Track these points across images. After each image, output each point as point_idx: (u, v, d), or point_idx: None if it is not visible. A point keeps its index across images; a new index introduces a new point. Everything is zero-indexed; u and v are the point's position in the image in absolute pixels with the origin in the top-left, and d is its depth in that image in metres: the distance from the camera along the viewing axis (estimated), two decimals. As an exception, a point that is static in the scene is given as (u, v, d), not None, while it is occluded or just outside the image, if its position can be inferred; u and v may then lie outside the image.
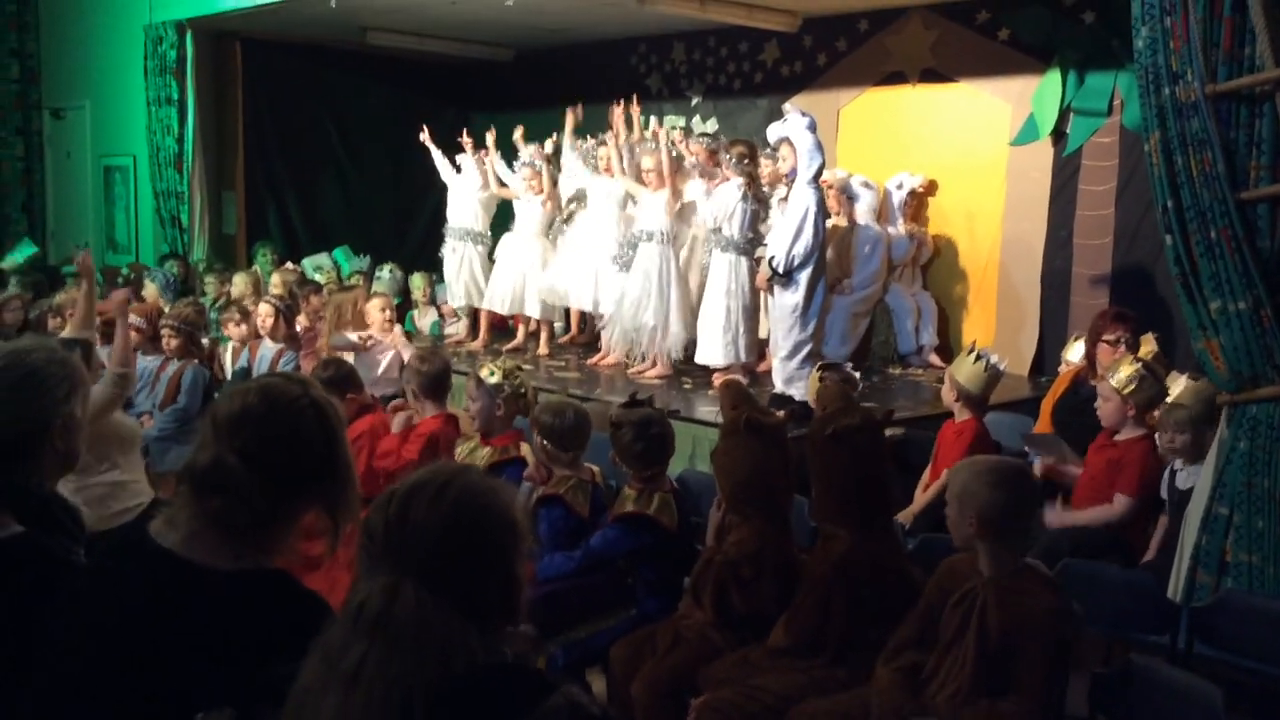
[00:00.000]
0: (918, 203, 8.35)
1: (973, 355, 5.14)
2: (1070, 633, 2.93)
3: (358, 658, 1.39)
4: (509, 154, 8.61)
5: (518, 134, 8.50)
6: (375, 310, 7.16)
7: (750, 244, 6.96)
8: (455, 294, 8.82)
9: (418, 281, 9.49)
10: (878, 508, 3.55)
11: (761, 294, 7.11)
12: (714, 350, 7.06)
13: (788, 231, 6.40)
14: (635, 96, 8.43)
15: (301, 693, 1.42)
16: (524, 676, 1.51)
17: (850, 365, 5.99)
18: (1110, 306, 6.07)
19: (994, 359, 5.13)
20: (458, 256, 8.74)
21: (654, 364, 7.48)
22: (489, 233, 8.80)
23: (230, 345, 6.99)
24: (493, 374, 4.57)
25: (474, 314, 8.95)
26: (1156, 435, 4.59)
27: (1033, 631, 2.89)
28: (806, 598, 3.42)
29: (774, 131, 6.70)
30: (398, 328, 7.24)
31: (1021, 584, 2.96)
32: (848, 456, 3.46)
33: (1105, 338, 5.58)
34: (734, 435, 3.73)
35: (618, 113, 8.19)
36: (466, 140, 8.76)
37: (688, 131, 8.79)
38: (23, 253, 10.56)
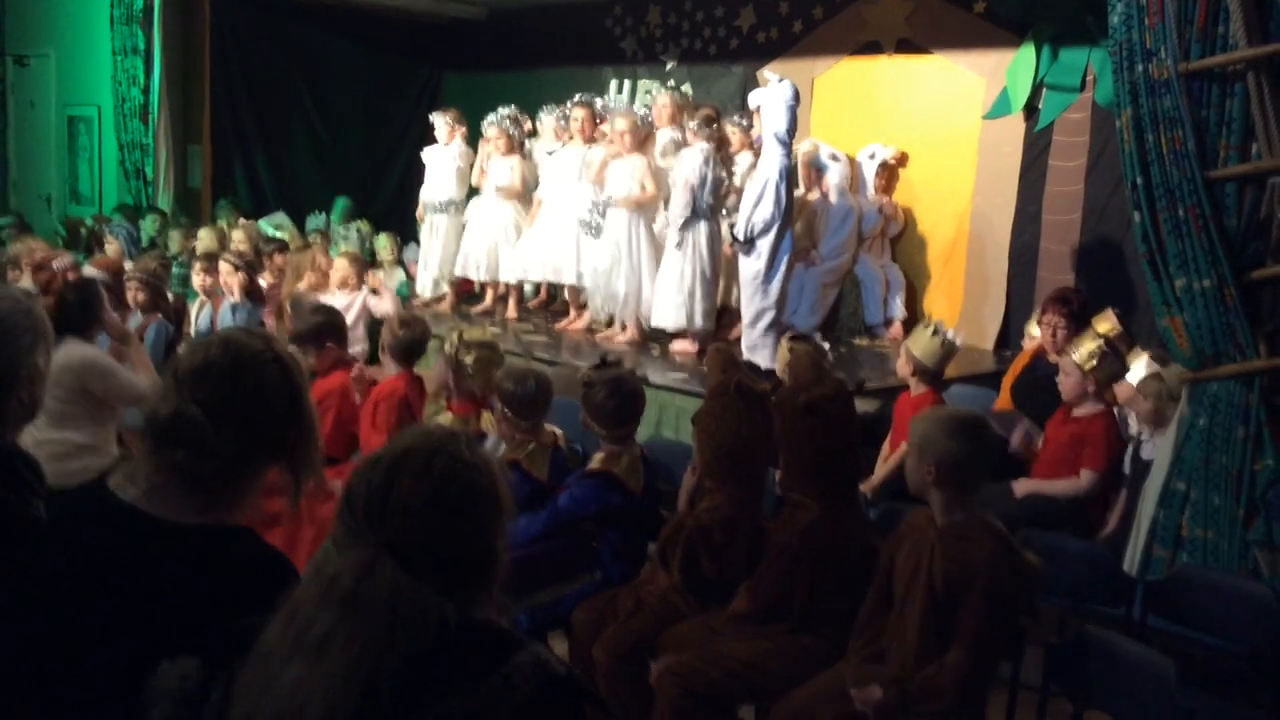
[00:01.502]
0: (889, 174, 8.36)
1: (929, 329, 5.14)
2: (1013, 584, 2.92)
3: (325, 629, 1.38)
4: (482, 114, 8.53)
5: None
6: (341, 267, 7.08)
7: (712, 209, 6.96)
8: (437, 268, 8.73)
9: (383, 242, 9.40)
10: (846, 479, 3.57)
11: (723, 261, 7.15)
12: (666, 313, 7.07)
13: (749, 199, 6.42)
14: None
15: (264, 656, 1.41)
16: (490, 635, 1.51)
17: (819, 335, 6.01)
18: (1057, 289, 6.10)
19: (950, 333, 5.14)
20: (437, 233, 8.67)
21: (623, 329, 7.47)
22: (464, 201, 8.74)
23: (198, 300, 6.92)
24: (450, 345, 4.54)
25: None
26: (1130, 404, 4.66)
27: (973, 577, 2.90)
28: (772, 566, 3.44)
29: (754, 98, 6.70)
30: (365, 288, 7.15)
31: (968, 532, 2.99)
32: (820, 427, 3.47)
33: (1042, 321, 5.63)
34: (722, 398, 3.71)
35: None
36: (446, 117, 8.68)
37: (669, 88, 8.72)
38: None
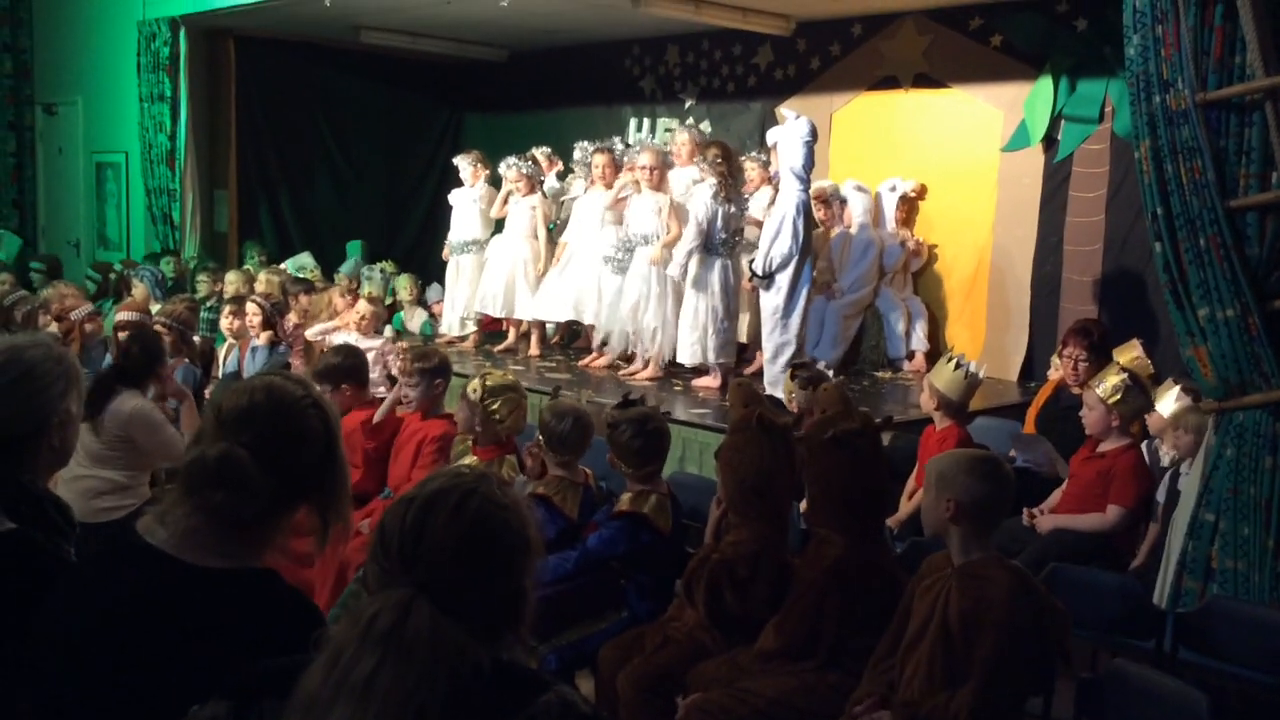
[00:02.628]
0: (909, 207, 8.37)
1: (951, 362, 5.13)
2: (1035, 623, 2.90)
3: (369, 671, 1.37)
4: (504, 154, 8.62)
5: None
6: (362, 309, 7.13)
7: (723, 245, 7.00)
8: (464, 308, 8.80)
9: (403, 282, 9.47)
10: (873, 514, 3.56)
11: (742, 296, 7.18)
12: (684, 349, 7.12)
13: (768, 234, 6.46)
14: None
15: (307, 702, 1.41)
16: (515, 676, 1.51)
17: (824, 364, 6.00)
18: (1077, 321, 6.09)
19: (972, 366, 5.12)
20: (462, 273, 8.75)
21: (645, 366, 7.50)
22: (489, 240, 8.81)
23: (226, 343, 6.98)
24: (475, 390, 4.56)
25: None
26: (1162, 435, 4.65)
27: (987, 614, 2.88)
28: (799, 602, 3.42)
29: (772, 135, 6.75)
30: (388, 330, 7.22)
31: (985, 570, 2.97)
32: (846, 462, 3.47)
33: (1063, 353, 5.61)
34: (744, 433, 3.70)
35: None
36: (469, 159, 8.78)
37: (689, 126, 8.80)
38: (11, 247, 10.55)
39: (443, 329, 9.05)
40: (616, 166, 7.83)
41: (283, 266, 9.42)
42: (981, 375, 5.23)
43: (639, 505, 3.95)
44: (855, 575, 3.37)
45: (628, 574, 4.04)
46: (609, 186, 7.84)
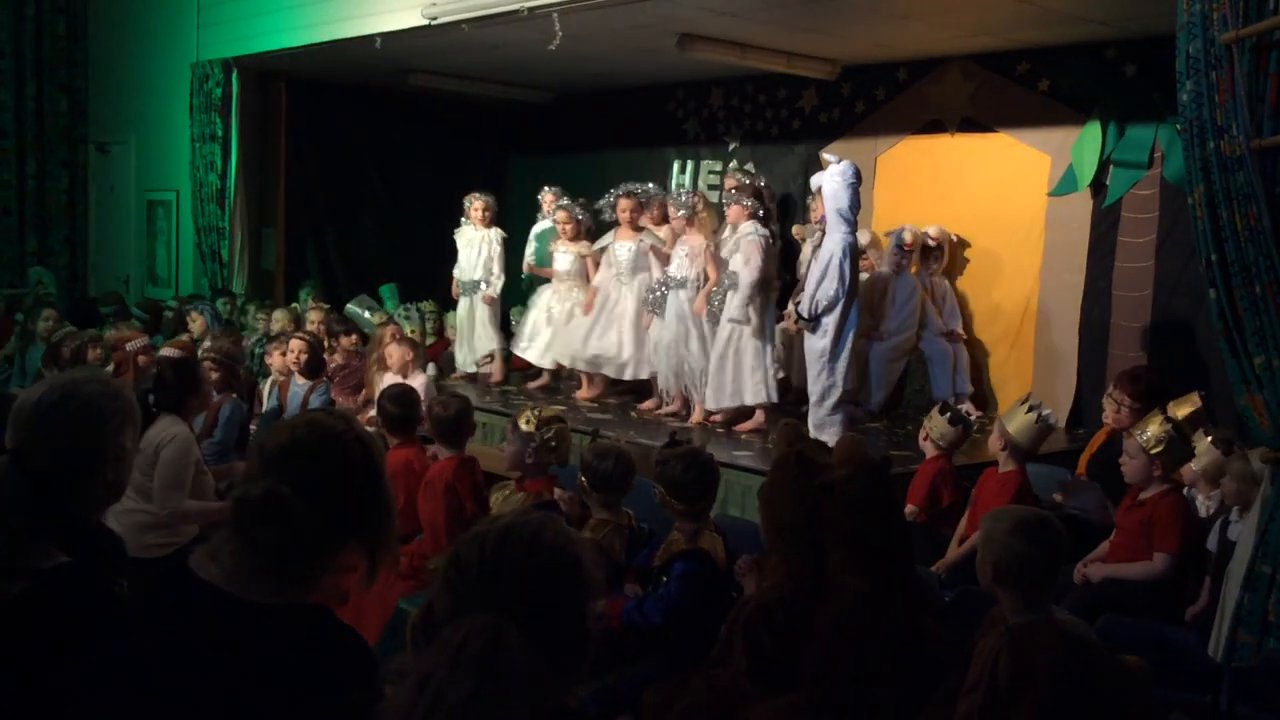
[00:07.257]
0: (929, 255, 8.27)
1: (1026, 406, 5.08)
2: (1078, 687, 2.82)
3: (466, 693, 1.35)
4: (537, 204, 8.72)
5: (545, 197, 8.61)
6: (394, 351, 7.17)
7: (758, 286, 7.03)
8: (476, 348, 8.86)
9: (452, 320, 9.51)
10: (889, 558, 3.49)
11: (765, 340, 7.19)
12: (748, 390, 7.13)
13: (814, 277, 6.45)
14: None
15: None
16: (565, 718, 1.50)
17: (966, 409, 5.99)
18: (1132, 367, 6.02)
19: (1046, 412, 5.08)
20: (469, 310, 8.83)
21: (687, 407, 7.50)
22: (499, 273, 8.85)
23: (272, 379, 7.02)
24: (529, 422, 4.58)
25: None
26: (1196, 487, 4.57)
27: (1031, 681, 2.82)
28: (811, 650, 3.37)
29: (816, 180, 6.77)
30: (431, 368, 7.24)
31: (1035, 635, 2.91)
32: (841, 506, 3.45)
33: (1111, 394, 5.57)
34: (783, 469, 3.69)
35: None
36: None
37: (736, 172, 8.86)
38: (50, 283, 10.73)
39: (457, 364, 9.07)
40: (641, 207, 7.86)
41: (350, 306, 9.46)
42: (1054, 422, 5.16)
43: (698, 542, 3.93)
44: (866, 621, 3.30)
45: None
46: (634, 229, 7.87)
